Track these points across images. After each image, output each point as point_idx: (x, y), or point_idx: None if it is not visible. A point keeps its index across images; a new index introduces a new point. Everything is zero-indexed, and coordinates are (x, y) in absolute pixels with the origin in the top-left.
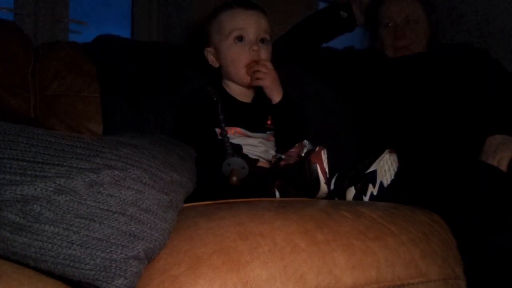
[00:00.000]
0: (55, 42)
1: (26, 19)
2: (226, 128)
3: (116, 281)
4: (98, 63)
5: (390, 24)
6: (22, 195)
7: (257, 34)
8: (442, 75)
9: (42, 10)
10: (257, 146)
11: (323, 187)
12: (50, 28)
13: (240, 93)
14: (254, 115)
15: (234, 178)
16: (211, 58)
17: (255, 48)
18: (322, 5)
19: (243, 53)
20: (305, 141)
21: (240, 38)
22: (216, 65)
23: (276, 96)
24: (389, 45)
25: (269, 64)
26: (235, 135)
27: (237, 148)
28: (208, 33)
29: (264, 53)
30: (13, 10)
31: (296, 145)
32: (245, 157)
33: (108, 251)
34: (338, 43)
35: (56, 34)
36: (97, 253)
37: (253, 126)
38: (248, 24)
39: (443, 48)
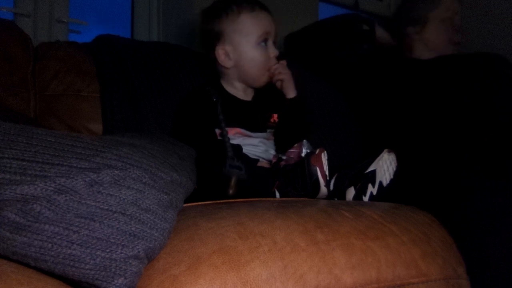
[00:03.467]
0: (54, 42)
1: (25, 18)
2: (227, 129)
3: (116, 281)
4: (97, 63)
5: (455, 18)
6: (22, 194)
7: (274, 38)
8: (444, 80)
9: (41, 9)
10: (257, 146)
11: (323, 189)
12: (49, 28)
13: (242, 92)
14: (255, 114)
15: (231, 191)
16: (223, 58)
17: (276, 53)
18: (322, 5)
19: (266, 58)
20: (304, 140)
21: (265, 42)
22: (229, 65)
23: (292, 91)
24: (446, 39)
25: (284, 62)
26: (236, 136)
27: (237, 148)
28: (221, 31)
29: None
30: (12, 9)
31: (296, 145)
32: (245, 157)
33: (108, 250)
34: None
35: (56, 34)
36: (97, 253)
37: (254, 125)
38: (272, 29)
39: (450, 56)
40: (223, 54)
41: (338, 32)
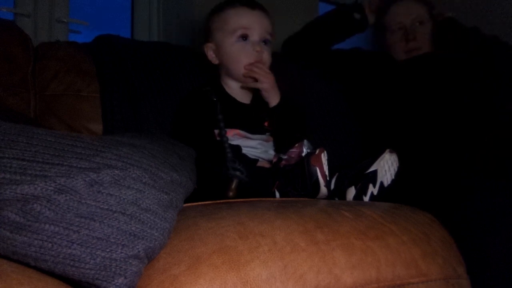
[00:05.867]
0: (54, 42)
1: (25, 18)
2: (225, 129)
3: (116, 281)
4: (97, 63)
5: (399, 28)
6: (22, 194)
7: (260, 34)
8: (444, 80)
9: (41, 9)
10: (256, 148)
11: (323, 189)
12: (49, 28)
13: (240, 93)
14: (253, 117)
15: (231, 194)
16: (210, 54)
17: (258, 49)
18: (322, 5)
19: (246, 52)
20: (305, 140)
21: (244, 37)
22: (215, 61)
23: (273, 100)
24: (399, 49)
25: (266, 68)
26: (234, 137)
27: (237, 149)
28: (209, 29)
29: (266, 54)
30: (12, 9)
31: (296, 145)
32: (245, 157)
33: (108, 250)
34: (344, 43)
35: (56, 34)
36: (97, 252)
37: (253, 127)
38: (253, 24)
39: (451, 54)
40: (210, 52)
41: (332, 28)
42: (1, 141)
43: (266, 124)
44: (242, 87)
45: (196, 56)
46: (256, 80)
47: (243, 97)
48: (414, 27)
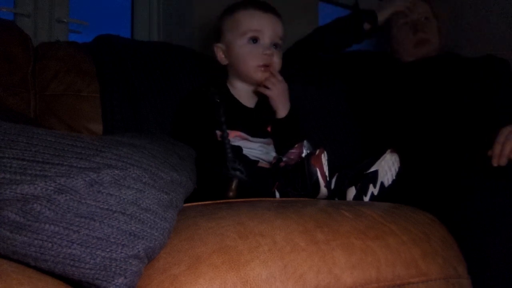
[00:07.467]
0: (54, 42)
1: (25, 18)
2: (227, 131)
3: (116, 280)
4: (97, 63)
5: (405, 23)
6: (22, 194)
7: (271, 38)
8: (451, 82)
9: (41, 9)
10: (257, 150)
11: (323, 190)
12: (49, 28)
13: (245, 96)
14: (255, 121)
15: (231, 194)
16: (220, 55)
17: (268, 52)
18: (322, 5)
19: (255, 55)
20: (305, 141)
21: (254, 40)
22: (224, 62)
23: (281, 110)
24: (408, 42)
25: (278, 76)
26: (235, 139)
27: (237, 150)
28: (220, 29)
29: (276, 58)
30: (12, 9)
31: (296, 145)
32: (245, 158)
33: (108, 250)
34: None
35: (56, 34)
36: (97, 252)
37: (254, 130)
38: (264, 27)
39: (458, 58)
40: (220, 52)
41: (340, 37)
42: (1, 141)
43: (268, 129)
44: (254, 91)
45: (196, 56)
46: (264, 86)
47: (248, 100)
48: (422, 20)
